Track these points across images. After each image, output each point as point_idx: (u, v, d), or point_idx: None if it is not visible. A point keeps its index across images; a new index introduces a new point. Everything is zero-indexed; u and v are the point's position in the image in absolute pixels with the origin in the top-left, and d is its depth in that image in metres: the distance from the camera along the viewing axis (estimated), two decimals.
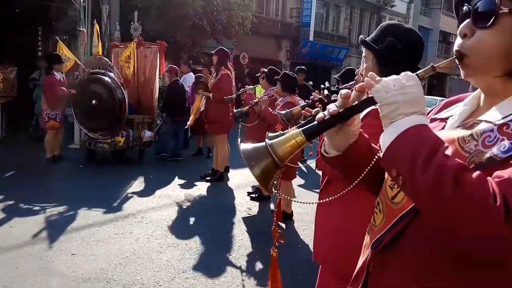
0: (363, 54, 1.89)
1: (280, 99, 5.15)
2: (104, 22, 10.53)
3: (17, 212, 4.88)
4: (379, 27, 1.88)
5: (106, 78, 7.59)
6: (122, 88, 7.74)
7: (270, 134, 2.37)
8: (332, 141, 1.08)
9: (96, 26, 8.10)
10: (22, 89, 9.64)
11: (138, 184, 6.54)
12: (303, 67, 8.78)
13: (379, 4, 27.73)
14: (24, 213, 4.88)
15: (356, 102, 0.98)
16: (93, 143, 7.81)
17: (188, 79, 9.38)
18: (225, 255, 4.06)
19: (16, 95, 9.52)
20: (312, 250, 4.27)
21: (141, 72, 8.50)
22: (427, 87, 26.30)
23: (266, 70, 5.91)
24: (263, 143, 1.00)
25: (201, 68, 11.86)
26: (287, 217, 5.06)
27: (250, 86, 6.47)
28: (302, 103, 4.97)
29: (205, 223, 4.98)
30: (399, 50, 1.74)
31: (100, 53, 8.01)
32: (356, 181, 1.06)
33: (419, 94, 0.90)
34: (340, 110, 0.97)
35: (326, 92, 2.88)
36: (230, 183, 6.87)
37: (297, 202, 1.26)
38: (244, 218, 5.19)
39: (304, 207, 5.50)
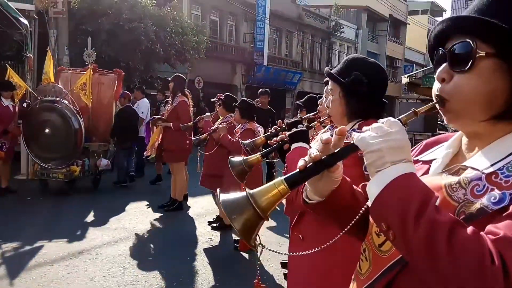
0: (329, 87, 1.90)
1: (238, 126, 5.13)
2: (52, 47, 10.17)
3: None
4: (344, 60, 1.91)
5: (60, 106, 7.27)
6: (78, 115, 7.44)
7: (233, 159, 2.31)
8: (315, 187, 1.04)
9: (49, 52, 7.79)
10: None
11: (92, 216, 6.23)
12: (266, 89, 8.51)
13: (329, 30, 28.79)
14: None
15: (339, 148, 0.94)
16: (46, 174, 7.41)
17: (142, 105, 9.22)
18: None
19: None
20: (276, 281, 4.19)
21: (97, 99, 8.21)
22: None
23: (222, 96, 5.87)
24: (244, 194, 0.94)
25: (155, 93, 11.72)
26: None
27: (207, 114, 6.39)
28: (261, 129, 4.99)
29: (166, 256, 4.78)
30: (365, 84, 1.76)
31: (53, 80, 7.68)
32: (342, 232, 1.01)
33: (404, 140, 0.86)
34: (323, 157, 0.93)
35: (286, 121, 2.88)
36: (190, 212, 6.69)
37: (277, 252, 1.17)
38: (205, 249, 5.02)
39: (268, 235, 5.42)
